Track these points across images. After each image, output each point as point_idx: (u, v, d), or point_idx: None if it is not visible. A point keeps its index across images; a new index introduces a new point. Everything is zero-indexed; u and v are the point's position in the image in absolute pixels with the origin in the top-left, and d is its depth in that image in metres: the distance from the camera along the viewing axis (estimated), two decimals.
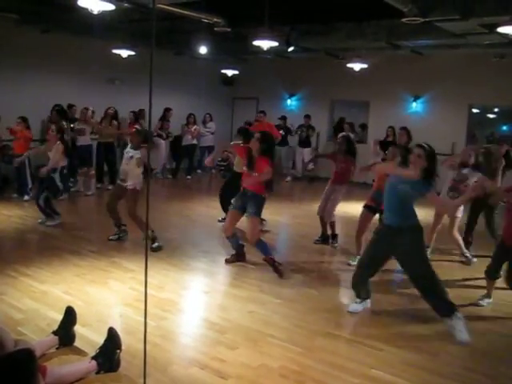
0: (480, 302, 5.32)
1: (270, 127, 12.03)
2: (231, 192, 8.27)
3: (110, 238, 7.08)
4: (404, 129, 8.18)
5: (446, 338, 4.45)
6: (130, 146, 6.98)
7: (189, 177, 13.70)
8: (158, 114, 13.12)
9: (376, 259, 4.83)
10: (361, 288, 4.97)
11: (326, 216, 7.38)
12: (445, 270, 6.16)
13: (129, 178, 6.79)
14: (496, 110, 15.75)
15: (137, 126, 7.48)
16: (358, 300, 5.00)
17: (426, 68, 12.85)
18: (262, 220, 8.12)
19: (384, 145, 7.84)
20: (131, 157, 6.78)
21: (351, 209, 9.10)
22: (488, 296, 5.33)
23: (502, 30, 7.10)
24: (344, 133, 13.96)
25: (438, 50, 11.49)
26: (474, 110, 13.78)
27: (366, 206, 6.52)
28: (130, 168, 6.78)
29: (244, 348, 4.09)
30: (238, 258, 6.41)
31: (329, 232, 7.52)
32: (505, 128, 16.34)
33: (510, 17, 6.85)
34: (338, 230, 7.52)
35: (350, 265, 6.40)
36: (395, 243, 4.56)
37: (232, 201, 6.82)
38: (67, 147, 7.97)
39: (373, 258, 4.83)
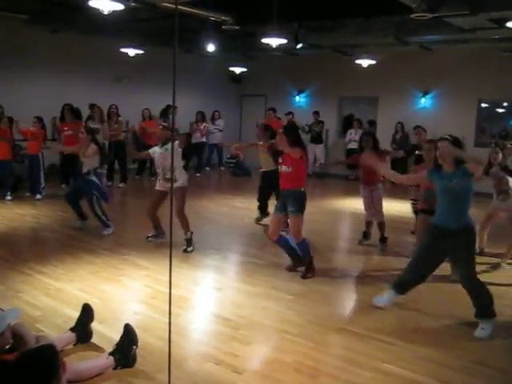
0: None
1: (278, 124, 12.08)
2: (266, 193, 8.27)
3: (149, 238, 7.05)
4: (419, 127, 8.07)
5: (458, 333, 4.49)
6: (157, 146, 6.84)
7: (198, 174, 13.76)
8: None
9: (431, 261, 4.65)
10: (407, 288, 4.81)
11: (376, 217, 7.19)
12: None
13: (178, 176, 6.58)
14: (505, 104, 15.68)
15: (163, 123, 7.41)
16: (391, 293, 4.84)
17: (434, 63, 12.83)
18: (267, 214, 8.17)
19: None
20: (166, 149, 6.58)
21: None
22: None
23: (511, 24, 7.11)
24: (353, 130, 14.12)
25: (447, 46, 11.47)
26: (483, 105, 13.73)
27: (424, 211, 5.94)
28: (171, 163, 6.40)
29: (258, 343, 4.14)
30: (296, 263, 6.02)
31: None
32: None
33: None
34: (348, 226, 7.55)
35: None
36: (451, 244, 4.45)
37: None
38: (100, 147, 7.71)
39: (428, 261, 4.65)
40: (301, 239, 5.82)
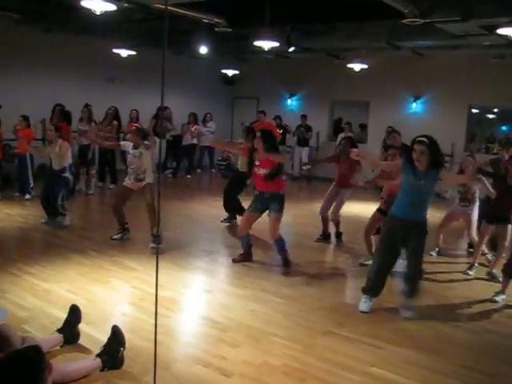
0: (495, 297, 5.45)
1: (269, 127, 12.08)
2: (235, 191, 8.34)
3: (114, 237, 7.07)
4: (394, 131, 8.17)
5: (446, 337, 4.51)
6: (132, 145, 6.93)
7: (189, 176, 13.73)
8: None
9: (393, 253, 4.98)
10: (380, 286, 5.07)
11: (331, 217, 7.49)
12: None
13: (147, 176, 6.86)
14: (495, 110, 15.82)
15: (136, 125, 7.52)
16: (368, 298, 5.07)
17: (426, 69, 12.91)
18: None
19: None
20: (140, 153, 6.81)
21: (353, 209, 9.16)
22: (503, 292, 5.47)
23: (501, 31, 7.16)
24: (343, 134, 14.17)
25: (438, 51, 11.54)
26: (474, 111, 13.84)
27: (379, 210, 6.41)
28: (141, 164, 6.83)
29: (246, 346, 4.13)
30: (245, 257, 6.44)
31: (331, 230, 7.62)
32: (504, 128, 16.43)
33: (510, 18, 6.92)
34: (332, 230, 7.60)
35: (362, 265, 6.46)
36: (406, 233, 4.80)
37: (241, 201, 6.76)
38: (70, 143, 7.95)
39: (390, 253, 4.97)
40: (278, 236, 6.11)
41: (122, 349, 3.69)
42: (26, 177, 9.67)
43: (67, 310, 4.05)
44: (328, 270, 6.60)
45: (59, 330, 3.92)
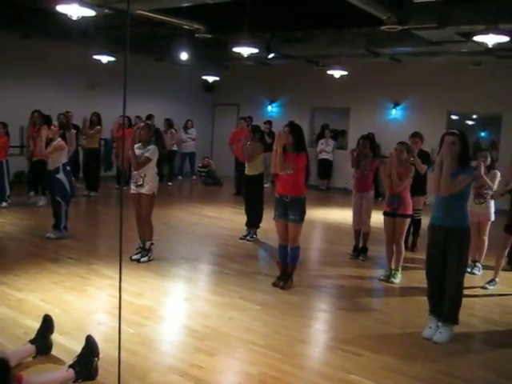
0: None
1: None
2: (259, 199, 7.94)
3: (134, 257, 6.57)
4: (418, 135, 7.53)
5: (424, 343, 4.50)
6: (138, 146, 6.45)
7: (170, 183, 13.64)
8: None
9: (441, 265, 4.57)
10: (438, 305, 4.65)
11: (363, 228, 7.06)
12: None
13: (145, 183, 6.36)
14: (474, 116, 15.98)
15: (148, 122, 6.98)
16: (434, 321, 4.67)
17: (405, 75, 13.01)
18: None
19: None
20: (143, 154, 6.30)
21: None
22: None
23: (478, 38, 7.23)
24: (324, 140, 14.18)
25: (417, 58, 11.65)
26: (453, 117, 13.95)
27: (383, 213, 6.20)
28: (144, 170, 6.32)
29: (223, 355, 4.08)
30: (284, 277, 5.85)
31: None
32: (483, 134, 16.61)
33: (486, 26, 6.99)
34: (318, 237, 7.55)
35: (381, 280, 6.24)
36: (447, 245, 4.46)
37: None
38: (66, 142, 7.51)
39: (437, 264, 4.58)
40: (297, 244, 5.76)
41: (96, 359, 3.61)
42: (3, 184, 9.52)
43: (41, 320, 3.97)
44: (307, 277, 6.55)
45: (32, 341, 3.82)
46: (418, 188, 6.83)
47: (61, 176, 7.28)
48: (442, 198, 4.48)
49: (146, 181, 6.35)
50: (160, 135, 6.73)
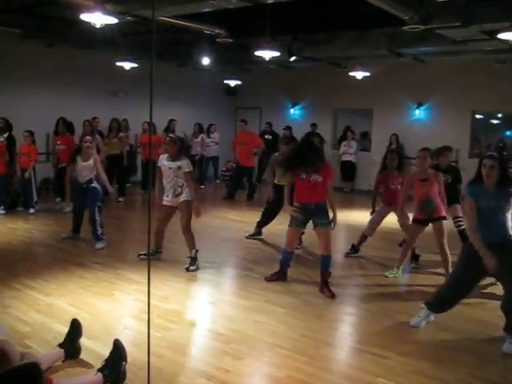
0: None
1: (251, 136, 12.14)
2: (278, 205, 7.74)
3: (141, 256, 6.75)
4: (448, 148, 7.13)
5: (451, 346, 4.44)
6: (165, 157, 6.48)
7: (202, 186, 13.72)
8: (163, 125, 13.11)
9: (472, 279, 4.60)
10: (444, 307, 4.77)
11: (368, 231, 7.24)
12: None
13: (184, 190, 6.44)
14: (500, 115, 15.74)
15: (171, 135, 6.98)
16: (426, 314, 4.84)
17: (428, 75, 12.89)
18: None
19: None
20: (179, 167, 6.36)
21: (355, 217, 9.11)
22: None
23: (502, 36, 7.13)
24: (346, 142, 14.08)
25: (440, 57, 11.52)
26: (478, 116, 13.77)
27: (415, 220, 6.17)
28: (182, 181, 6.42)
29: (250, 358, 4.09)
30: (279, 276, 6.09)
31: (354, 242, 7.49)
32: (509, 133, 16.35)
33: (510, 23, 6.88)
34: (342, 239, 7.51)
35: (386, 277, 6.32)
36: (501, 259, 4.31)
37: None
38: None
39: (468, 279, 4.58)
40: (330, 253, 5.81)
41: (124, 363, 3.64)
42: (30, 192, 9.68)
43: (69, 325, 4.02)
44: (333, 279, 6.52)
45: (60, 345, 3.88)
46: (454, 196, 6.73)
47: (95, 184, 7.44)
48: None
49: (184, 189, 6.46)
50: (186, 147, 6.80)
